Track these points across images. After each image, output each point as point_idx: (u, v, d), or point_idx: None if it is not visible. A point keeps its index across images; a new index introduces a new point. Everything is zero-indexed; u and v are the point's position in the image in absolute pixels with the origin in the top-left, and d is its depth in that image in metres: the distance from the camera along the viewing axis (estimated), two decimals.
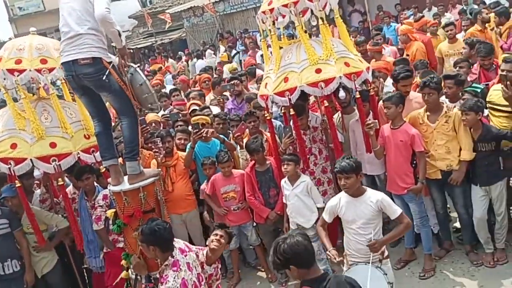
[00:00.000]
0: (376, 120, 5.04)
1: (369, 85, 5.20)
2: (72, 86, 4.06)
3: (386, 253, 3.99)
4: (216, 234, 4.03)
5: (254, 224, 5.76)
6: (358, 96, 4.98)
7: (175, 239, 3.92)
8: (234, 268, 5.85)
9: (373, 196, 3.91)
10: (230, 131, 6.31)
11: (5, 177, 5.10)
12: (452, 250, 5.31)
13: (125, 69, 4.13)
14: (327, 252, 3.98)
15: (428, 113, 4.96)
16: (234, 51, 15.80)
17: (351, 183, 3.85)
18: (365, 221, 3.87)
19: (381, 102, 5.25)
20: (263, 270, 5.87)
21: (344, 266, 4.05)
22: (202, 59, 15.67)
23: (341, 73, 4.75)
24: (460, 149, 4.83)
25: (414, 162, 5.00)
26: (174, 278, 3.58)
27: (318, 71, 4.77)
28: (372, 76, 5.46)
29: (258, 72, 9.19)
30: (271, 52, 5.41)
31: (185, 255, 3.80)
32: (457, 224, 5.47)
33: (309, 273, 2.79)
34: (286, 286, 5.50)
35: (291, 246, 2.75)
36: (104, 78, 3.81)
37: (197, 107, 6.98)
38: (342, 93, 5.23)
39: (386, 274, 3.76)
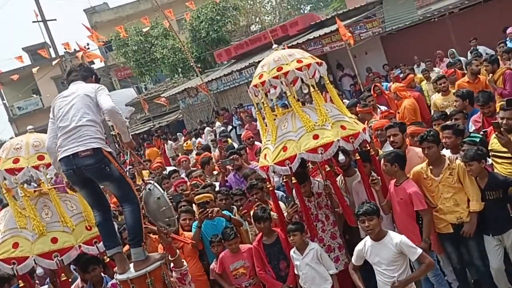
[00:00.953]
0: (379, 177, 5.02)
1: (367, 145, 5.21)
2: (72, 181, 4.05)
3: None
4: None
5: None
6: (358, 157, 4.99)
7: None
8: None
9: (393, 239, 4.11)
10: (234, 206, 6.25)
11: (8, 277, 4.97)
12: None
13: (144, 185, 4.23)
14: None
15: (431, 167, 4.94)
16: (230, 127, 16.03)
17: (374, 225, 4.11)
18: (388, 262, 4.07)
19: (382, 160, 5.25)
20: None
21: None
22: (201, 137, 15.85)
23: (339, 136, 4.78)
24: (469, 200, 4.76)
25: (421, 218, 4.91)
26: None
27: (316, 137, 4.80)
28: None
29: (257, 144, 9.28)
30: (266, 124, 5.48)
31: None
32: None
33: None
34: None
35: None
36: (105, 167, 3.84)
37: (198, 183, 6.98)
38: (341, 157, 5.24)
39: None
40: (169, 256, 4.22)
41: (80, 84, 4.25)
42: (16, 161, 4.77)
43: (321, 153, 4.74)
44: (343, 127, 4.87)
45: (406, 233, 4.85)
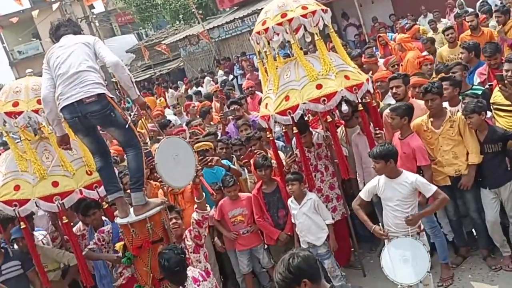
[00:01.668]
0: (382, 131, 5.01)
1: (367, 96, 5.16)
2: (76, 128, 3.97)
3: (422, 227, 4.32)
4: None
5: (266, 246, 5.68)
6: (361, 108, 4.95)
7: (189, 267, 3.88)
8: None
9: (408, 177, 4.21)
10: (233, 155, 6.27)
11: (12, 218, 5.06)
12: (469, 257, 5.20)
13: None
14: (372, 229, 4.26)
15: (431, 119, 4.91)
16: (231, 76, 15.86)
17: (379, 168, 4.23)
18: (401, 199, 4.20)
19: (386, 111, 5.21)
20: None
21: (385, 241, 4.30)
22: (201, 86, 15.72)
23: (342, 86, 4.73)
24: (468, 153, 4.76)
25: (422, 173, 4.92)
26: None
27: (319, 86, 4.75)
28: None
29: (257, 93, 9.23)
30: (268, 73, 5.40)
31: (198, 285, 3.77)
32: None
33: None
34: None
35: (305, 259, 2.66)
36: (110, 113, 3.80)
37: (197, 131, 6.99)
38: (344, 107, 5.19)
39: (424, 245, 4.12)
40: (196, 198, 4.32)
41: (73, 35, 4.16)
42: (15, 104, 4.75)
43: (324, 103, 4.70)
44: (347, 77, 4.81)
45: None
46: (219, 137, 6.98)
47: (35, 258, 4.82)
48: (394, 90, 5.43)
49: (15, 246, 5.25)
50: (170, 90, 17.79)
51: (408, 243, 4.13)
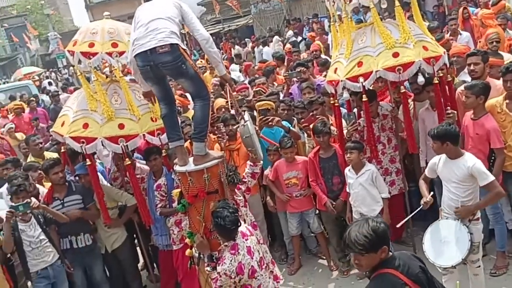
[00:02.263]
0: (455, 111, 4.80)
1: (445, 70, 4.91)
2: (147, 76, 4.00)
3: (477, 215, 4.15)
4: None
5: (317, 211, 5.68)
6: (437, 81, 4.75)
7: None
8: (295, 254, 5.81)
9: (468, 160, 4.05)
10: (295, 118, 6.22)
11: (78, 153, 5.28)
12: None
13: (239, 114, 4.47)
14: (423, 200, 4.22)
15: (507, 101, 4.64)
16: (300, 38, 15.58)
17: (436, 148, 4.14)
18: (457, 181, 4.08)
19: (459, 89, 4.96)
20: (324, 257, 5.79)
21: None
22: (268, 46, 15.56)
23: (420, 57, 4.53)
24: None
25: (494, 156, 4.69)
26: (231, 261, 3.66)
27: (396, 55, 4.56)
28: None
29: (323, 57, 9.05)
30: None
31: (246, 239, 3.82)
32: None
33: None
34: (348, 275, 5.40)
35: (384, 224, 2.69)
36: (182, 65, 3.84)
37: (262, 90, 6.97)
38: (421, 78, 4.97)
39: (471, 233, 3.99)
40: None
41: None
42: (91, 45, 4.90)
43: (399, 73, 4.53)
44: (425, 48, 4.59)
45: None
46: (281, 98, 6.95)
47: (98, 195, 5.05)
48: (471, 67, 5.14)
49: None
50: (237, 47, 17.75)
51: (453, 226, 4.05)
